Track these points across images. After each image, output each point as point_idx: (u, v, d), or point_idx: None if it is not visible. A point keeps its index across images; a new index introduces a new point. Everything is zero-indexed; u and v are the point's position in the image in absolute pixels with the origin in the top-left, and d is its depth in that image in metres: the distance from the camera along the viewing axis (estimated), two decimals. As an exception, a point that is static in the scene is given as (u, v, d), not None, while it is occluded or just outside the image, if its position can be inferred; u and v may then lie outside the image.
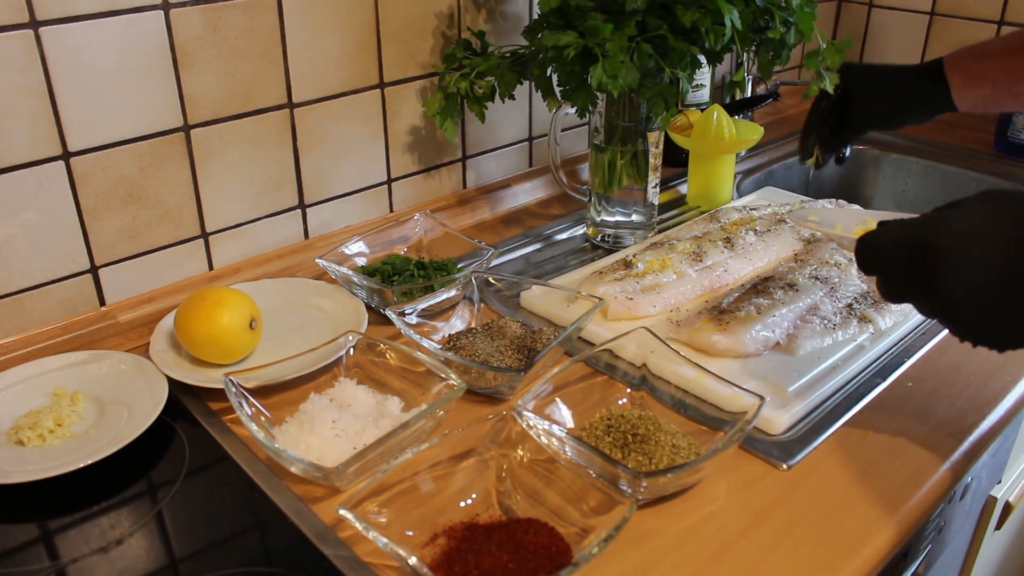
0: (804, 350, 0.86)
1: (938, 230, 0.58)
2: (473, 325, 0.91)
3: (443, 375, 0.77)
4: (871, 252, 0.63)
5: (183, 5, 0.87)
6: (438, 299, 0.91)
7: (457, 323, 0.91)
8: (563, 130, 1.31)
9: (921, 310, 0.62)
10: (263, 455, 0.75)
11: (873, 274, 0.63)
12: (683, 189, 1.31)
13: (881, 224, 0.64)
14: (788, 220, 1.04)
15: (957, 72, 0.99)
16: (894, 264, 0.61)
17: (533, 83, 1.05)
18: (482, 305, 0.94)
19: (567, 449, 0.68)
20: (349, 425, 0.72)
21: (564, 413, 0.76)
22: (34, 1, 0.79)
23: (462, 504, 0.67)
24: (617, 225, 1.12)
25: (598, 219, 1.13)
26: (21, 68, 0.80)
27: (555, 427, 0.69)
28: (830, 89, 1.07)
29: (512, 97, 1.05)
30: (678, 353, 0.79)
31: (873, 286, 0.86)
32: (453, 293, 0.92)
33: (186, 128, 0.92)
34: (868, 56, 1.74)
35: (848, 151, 1.13)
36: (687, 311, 0.94)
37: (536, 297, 0.95)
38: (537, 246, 1.14)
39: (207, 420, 0.80)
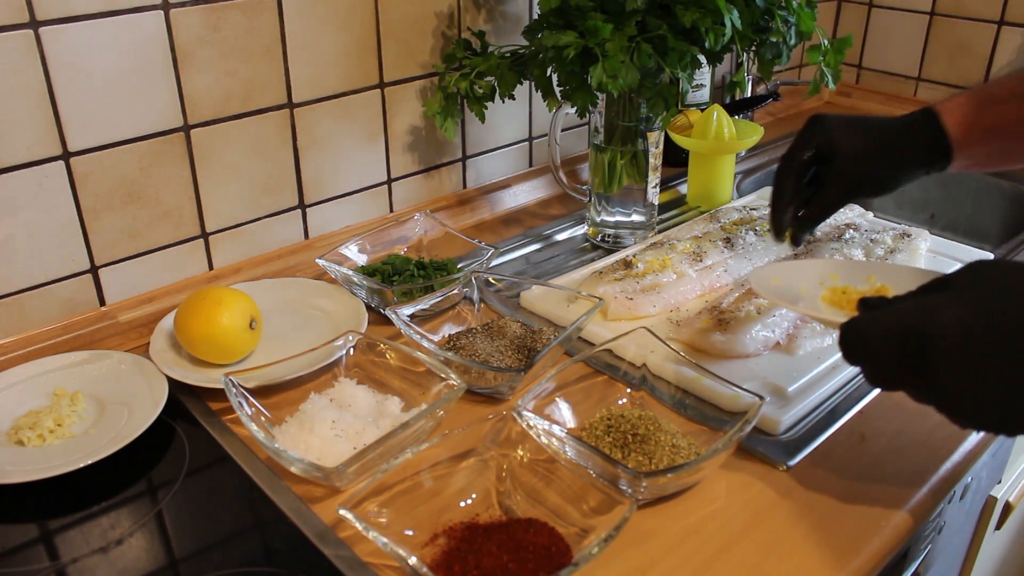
0: (804, 350, 0.86)
1: (931, 319, 0.55)
2: (473, 325, 0.91)
3: (443, 375, 0.77)
4: (858, 342, 0.59)
5: (183, 5, 0.87)
6: (438, 299, 0.91)
7: (457, 323, 0.91)
8: (563, 130, 1.31)
9: (917, 399, 0.59)
10: (263, 455, 0.75)
11: (860, 364, 0.60)
12: (683, 189, 1.31)
13: (865, 307, 0.61)
14: (752, 288, 0.85)
15: (960, 125, 0.81)
16: (885, 356, 0.57)
17: (533, 83, 1.05)
18: (482, 305, 0.94)
19: (567, 449, 0.68)
20: (349, 425, 0.72)
21: (564, 413, 0.76)
22: (34, 1, 0.79)
23: (462, 504, 0.67)
24: (617, 225, 1.12)
25: (598, 219, 1.13)
26: (21, 68, 0.80)
27: (555, 427, 0.69)
28: (832, 86, 1.07)
29: (512, 97, 1.05)
30: (678, 353, 0.79)
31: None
32: (453, 293, 0.92)
33: (186, 128, 0.92)
34: (868, 56, 1.74)
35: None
36: (687, 311, 0.94)
37: (536, 297, 0.95)
38: (537, 246, 1.14)
39: (207, 420, 0.80)
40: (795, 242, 0.85)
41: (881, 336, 0.57)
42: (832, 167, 0.82)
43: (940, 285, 0.58)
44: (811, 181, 0.84)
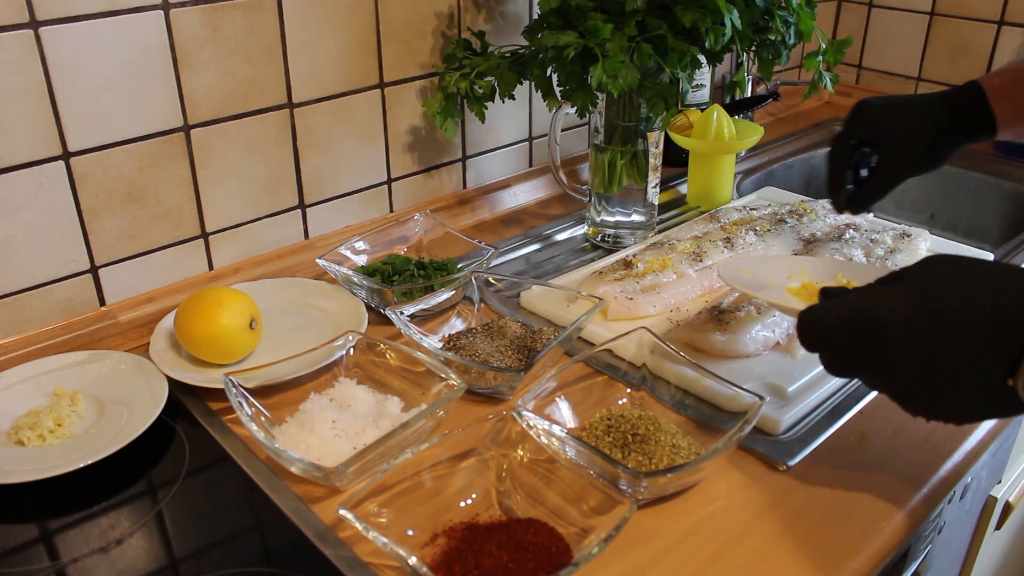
0: (804, 350, 0.86)
1: (883, 308, 0.57)
2: (473, 325, 0.91)
3: (443, 375, 0.77)
4: (814, 328, 0.61)
5: (183, 5, 0.87)
6: (438, 299, 0.91)
7: (457, 323, 0.91)
8: (563, 130, 1.31)
9: (869, 385, 0.61)
10: (263, 455, 0.75)
11: (816, 351, 0.62)
12: (683, 189, 1.31)
13: (824, 296, 0.63)
14: (719, 276, 0.87)
15: (1006, 102, 0.84)
16: (839, 342, 0.59)
17: (533, 83, 1.05)
18: (482, 305, 0.94)
19: (567, 449, 0.68)
20: (349, 425, 0.72)
21: (564, 413, 0.76)
22: (34, 1, 0.79)
23: (462, 504, 0.67)
24: (617, 225, 1.12)
25: (598, 219, 1.13)
26: (21, 68, 0.80)
27: (555, 427, 0.69)
28: (831, 88, 1.07)
29: (512, 97, 1.05)
30: (678, 353, 0.79)
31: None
32: (453, 293, 0.92)
33: (186, 128, 0.92)
34: (868, 56, 1.74)
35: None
36: (687, 311, 0.94)
37: (536, 297, 0.95)
38: (537, 246, 1.14)
39: (207, 420, 0.80)
40: (856, 213, 0.91)
41: (835, 323, 0.59)
42: (882, 150, 0.87)
43: (895, 277, 0.60)
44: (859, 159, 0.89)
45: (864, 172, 0.90)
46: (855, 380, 0.84)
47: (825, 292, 0.63)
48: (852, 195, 0.90)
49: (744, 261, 0.89)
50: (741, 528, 0.67)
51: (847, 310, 0.58)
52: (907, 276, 0.59)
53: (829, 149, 0.91)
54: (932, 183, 1.49)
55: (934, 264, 0.59)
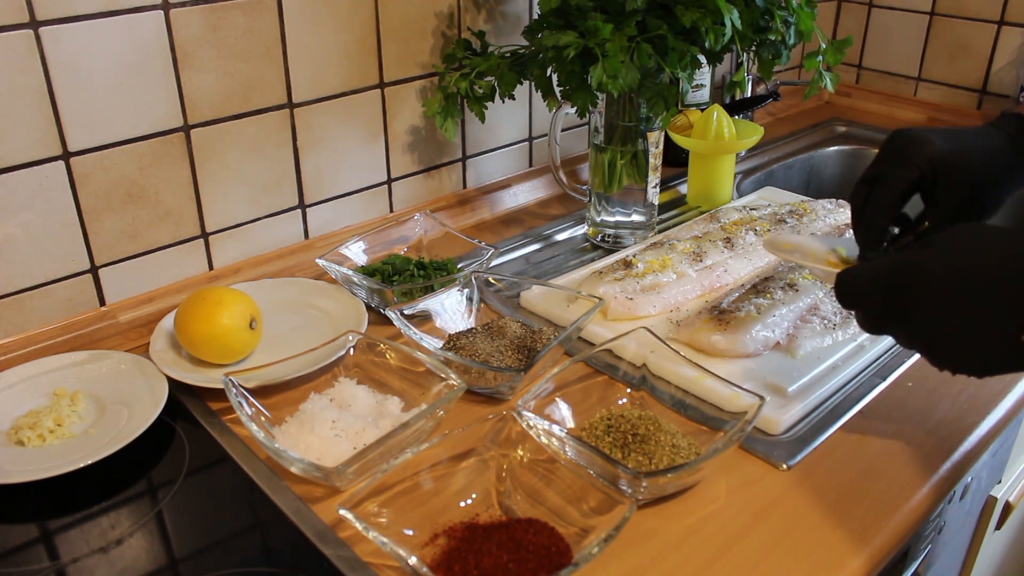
0: (804, 350, 0.86)
1: (912, 268, 0.61)
2: (473, 325, 0.91)
3: (443, 375, 0.77)
4: (851, 288, 0.65)
5: (183, 5, 0.87)
6: (438, 299, 0.91)
7: (457, 323, 0.91)
8: (563, 130, 1.31)
9: (900, 341, 0.65)
10: (263, 455, 0.75)
11: (853, 308, 0.66)
12: (683, 189, 1.31)
13: (860, 258, 0.69)
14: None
15: None
16: (873, 300, 0.63)
17: (533, 83, 1.05)
18: (482, 305, 0.94)
19: (567, 449, 0.68)
20: (349, 425, 0.72)
21: (564, 413, 0.76)
22: (34, 1, 0.79)
23: (462, 504, 0.67)
24: (617, 225, 1.12)
25: (598, 219, 1.13)
26: (21, 68, 0.80)
27: (555, 427, 0.69)
28: (831, 88, 1.07)
29: (512, 97, 1.05)
30: (678, 353, 0.79)
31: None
32: (453, 293, 0.92)
33: (186, 128, 0.92)
34: (868, 56, 1.74)
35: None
36: (687, 311, 0.94)
37: (536, 297, 0.95)
38: (537, 246, 1.14)
39: (207, 420, 0.80)
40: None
41: (870, 281, 0.63)
42: (943, 200, 0.72)
43: (926, 244, 0.63)
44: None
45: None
46: (857, 378, 0.84)
47: (863, 256, 0.70)
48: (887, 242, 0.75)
49: (786, 238, 0.84)
50: (741, 528, 0.67)
51: (880, 271, 0.63)
52: (937, 240, 0.62)
53: (864, 190, 0.73)
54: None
55: (959, 230, 0.62)
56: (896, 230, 0.74)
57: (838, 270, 0.67)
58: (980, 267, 0.58)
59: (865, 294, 0.64)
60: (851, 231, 1.05)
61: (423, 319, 0.89)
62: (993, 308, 0.57)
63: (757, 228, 1.07)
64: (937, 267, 0.60)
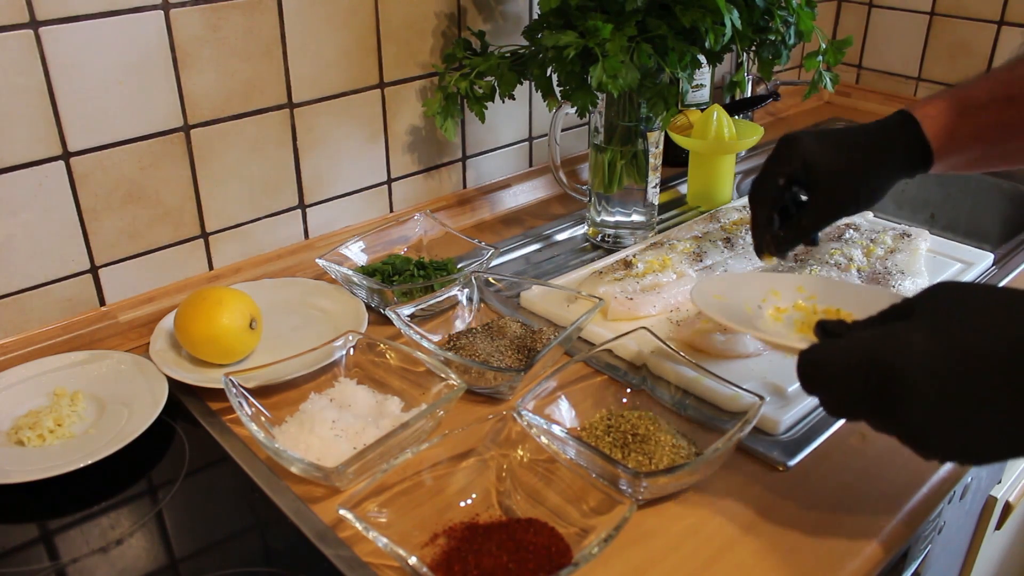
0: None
1: (896, 349, 0.52)
2: (473, 325, 0.91)
3: (443, 375, 0.77)
4: (819, 374, 0.57)
5: (183, 5, 0.87)
6: (438, 299, 0.91)
7: (457, 323, 0.91)
8: (563, 130, 1.31)
9: (878, 430, 0.56)
10: (263, 455, 0.75)
11: (819, 394, 0.57)
12: (683, 189, 1.31)
13: (824, 333, 0.59)
14: (696, 304, 0.81)
15: (940, 132, 0.79)
16: (847, 388, 0.55)
17: (533, 83, 1.05)
18: (482, 305, 0.94)
19: (567, 449, 0.68)
20: (349, 425, 0.73)
21: (564, 413, 0.76)
22: (34, 1, 0.79)
23: (462, 504, 0.67)
24: (617, 225, 1.12)
25: (598, 219, 1.13)
26: (21, 68, 0.80)
27: (555, 427, 0.69)
28: (831, 88, 1.07)
29: (512, 97, 1.05)
30: (678, 353, 0.79)
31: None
32: (453, 293, 0.92)
33: (186, 128, 0.92)
34: (868, 56, 1.74)
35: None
36: (687, 311, 0.94)
37: (536, 297, 0.95)
38: (537, 246, 1.14)
39: (207, 420, 0.80)
40: (780, 257, 0.86)
41: (843, 368, 0.54)
42: (813, 188, 0.81)
43: (902, 312, 0.56)
44: (788, 199, 0.84)
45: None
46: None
47: (823, 328, 0.59)
48: (777, 236, 0.84)
49: (713, 284, 0.86)
50: (741, 528, 0.67)
51: (855, 352, 0.54)
52: (916, 311, 0.55)
53: (751, 188, 0.85)
54: (932, 183, 1.49)
55: (946, 295, 0.55)
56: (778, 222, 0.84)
57: (799, 345, 0.59)
58: (983, 343, 0.50)
59: (839, 380, 0.55)
60: (850, 231, 1.06)
61: (423, 319, 0.89)
62: (1004, 389, 0.49)
63: (757, 228, 1.07)
64: (928, 346, 0.51)
